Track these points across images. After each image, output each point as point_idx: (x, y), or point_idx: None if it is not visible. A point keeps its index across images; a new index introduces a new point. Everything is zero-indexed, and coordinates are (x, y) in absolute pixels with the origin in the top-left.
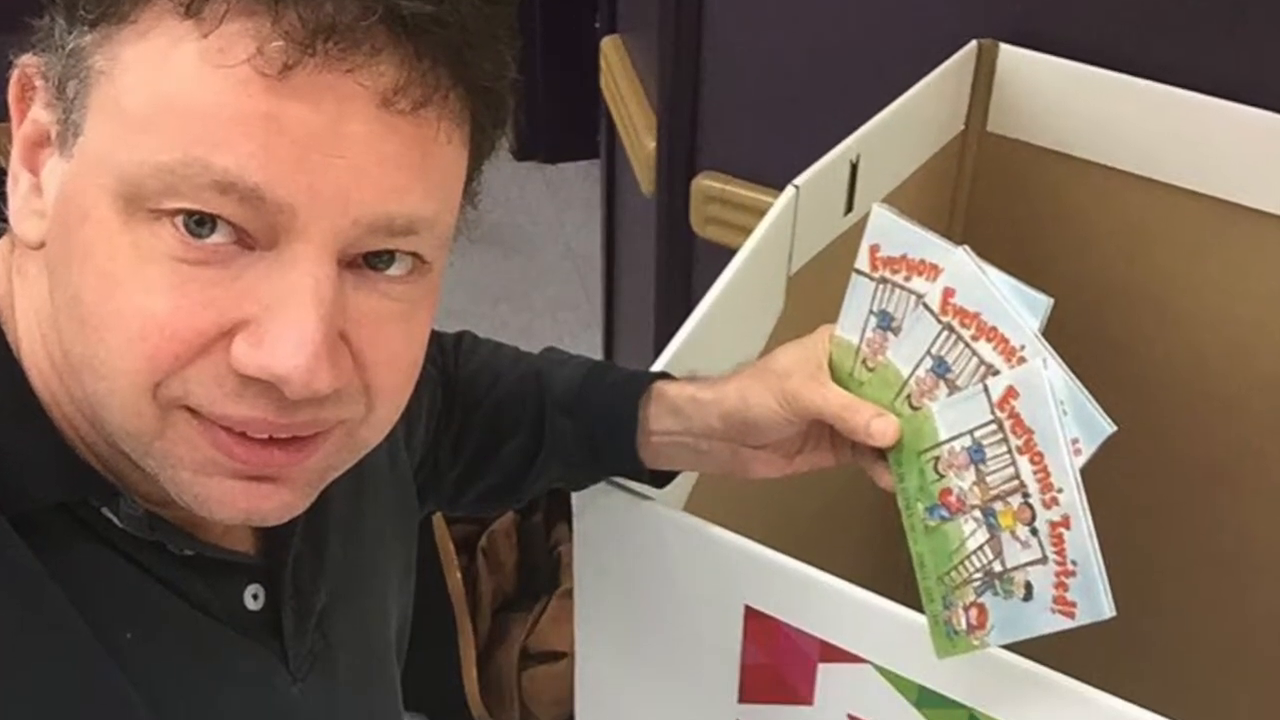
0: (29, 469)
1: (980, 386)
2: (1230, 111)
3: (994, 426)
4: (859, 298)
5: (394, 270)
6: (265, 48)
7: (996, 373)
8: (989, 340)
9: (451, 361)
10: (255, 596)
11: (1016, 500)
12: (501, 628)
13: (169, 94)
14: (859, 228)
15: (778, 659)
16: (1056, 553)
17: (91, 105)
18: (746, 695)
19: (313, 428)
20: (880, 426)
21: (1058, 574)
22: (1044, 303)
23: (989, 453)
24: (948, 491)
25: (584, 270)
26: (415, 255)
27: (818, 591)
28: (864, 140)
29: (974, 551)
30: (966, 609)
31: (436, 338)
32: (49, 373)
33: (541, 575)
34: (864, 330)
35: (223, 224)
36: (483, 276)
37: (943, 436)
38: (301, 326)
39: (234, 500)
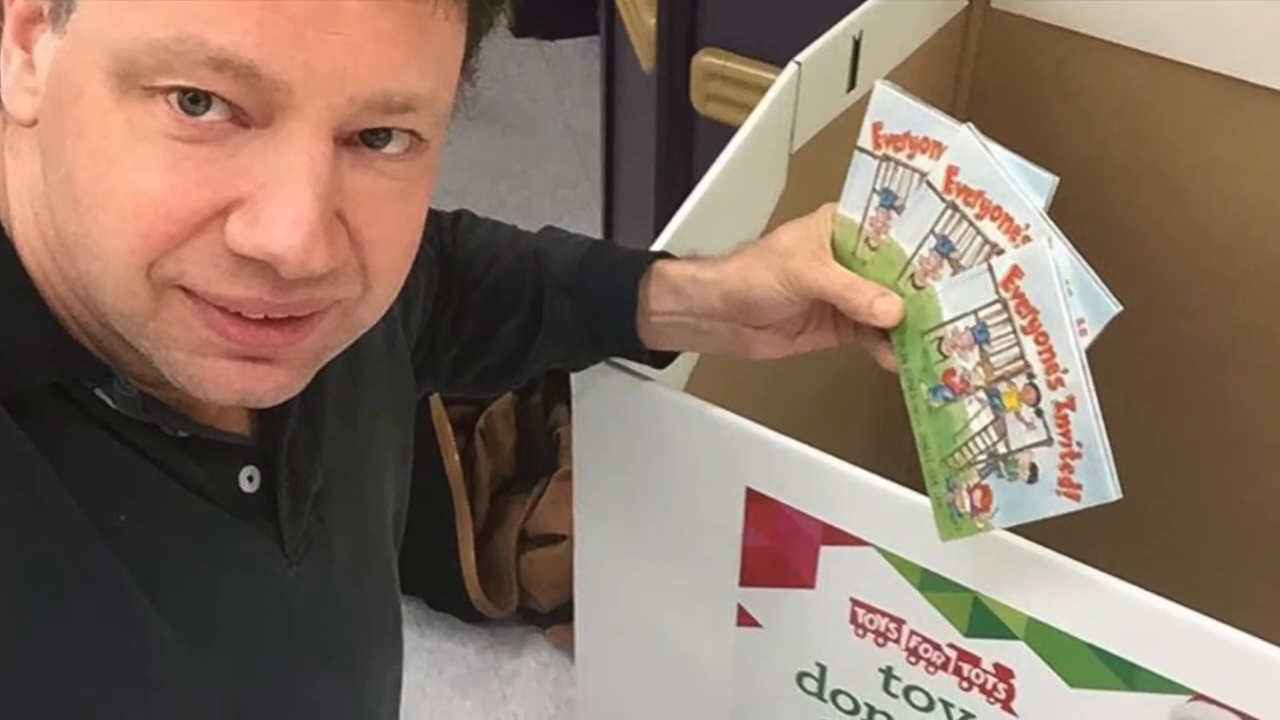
0: (21, 349)
1: (984, 266)
2: None
3: (998, 306)
4: (862, 176)
5: (391, 148)
6: None
7: (1001, 252)
8: (993, 219)
9: (449, 241)
10: (250, 479)
11: (1021, 381)
12: (500, 510)
13: None
14: (861, 105)
15: (779, 541)
16: (1062, 434)
17: None
18: (747, 578)
19: (308, 307)
20: (883, 306)
21: (1063, 456)
22: (1049, 181)
23: (993, 333)
24: (951, 372)
25: (583, 148)
26: (412, 133)
27: (820, 473)
28: (866, 16)
29: (978, 433)
30: (970, 491)
31: (434, 217)
32: (41, 252)
33: (540, 457)
34: (867, 209)
35: (218, 101)
36: (481, 155)
37: (946, 316)
38: (297, 205)
39: (229, 381)
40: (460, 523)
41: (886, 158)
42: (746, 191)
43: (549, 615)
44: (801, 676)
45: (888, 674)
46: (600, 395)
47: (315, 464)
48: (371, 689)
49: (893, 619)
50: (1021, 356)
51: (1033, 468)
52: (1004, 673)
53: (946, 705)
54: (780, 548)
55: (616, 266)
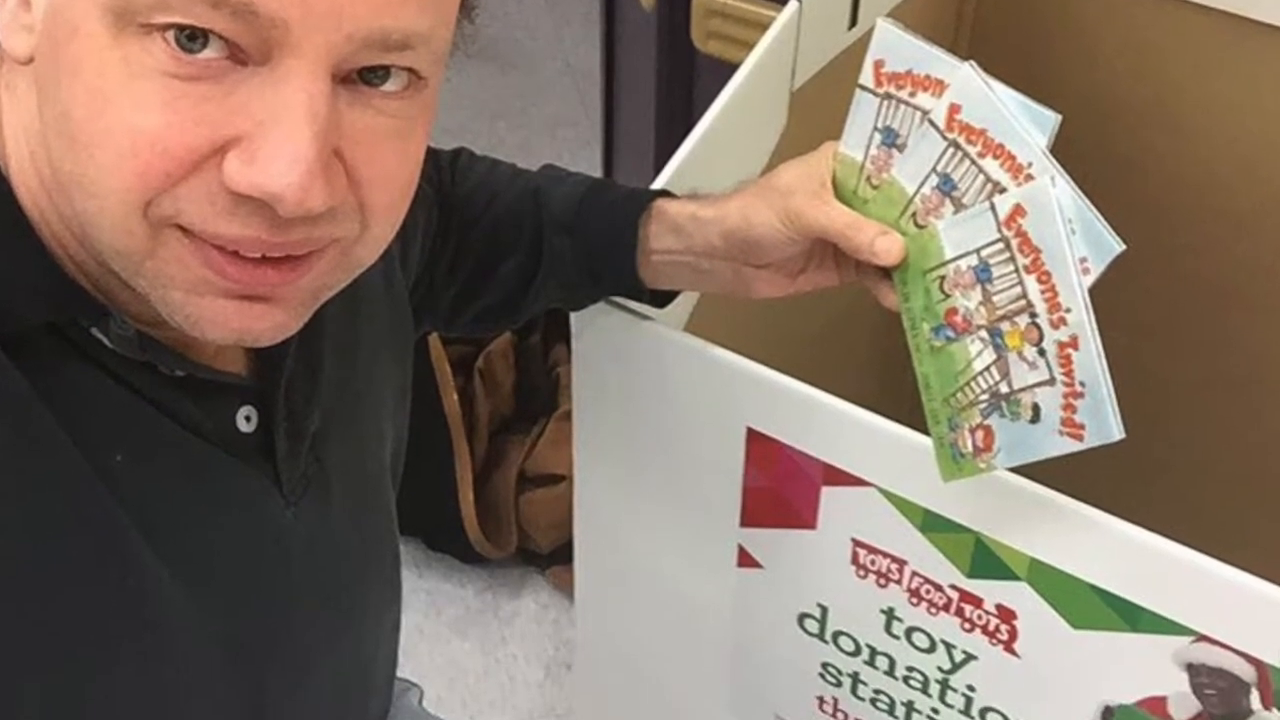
0: (17, 289)
1: (987, 204)
2: None
3: (1001, 245)
4: (863, 114)
5: (389, 86)
6: None
7: (1003, 190)
8: (996, 157)
9: (448, 179)
10: (248, 418)
11: (1024, 320)
12: (499, 450)
13: None
14: (863, 43)
15: (780, 482)
16: (1064, 374)
17: None
18: (748, 519)
19: (306, 246)
20: (885, 245)
21: (1065, 395)
22: (1051, 119)
23: (995, 272)
24: (953, 311)
25: (583, 86)
26: (411, 71)
27: (821, 413)
28: None
29: (980, 372)
30: (973, 431)
31: (432, 155)
32: (38, 190)
33: (540, 397)
34: (868, 147)
35: (215, 39)
36: (479, 92)
37: (948, 255)
38: (295, 143)
39: (226, 320)
40: (459, 463)
41: (888, 96)
42: (747, 130)
43: (548, 556)
44: (802, 618)
45: (889, 615)
46: (600, 334)
47: (313, 404)
48: (370, 630)
49: (894, 560)
50: (1024, 296)
51: (1035, 408)
52: (1006, 614)
53: (948, 646)
54: (781, 488)
55: (616, 205)
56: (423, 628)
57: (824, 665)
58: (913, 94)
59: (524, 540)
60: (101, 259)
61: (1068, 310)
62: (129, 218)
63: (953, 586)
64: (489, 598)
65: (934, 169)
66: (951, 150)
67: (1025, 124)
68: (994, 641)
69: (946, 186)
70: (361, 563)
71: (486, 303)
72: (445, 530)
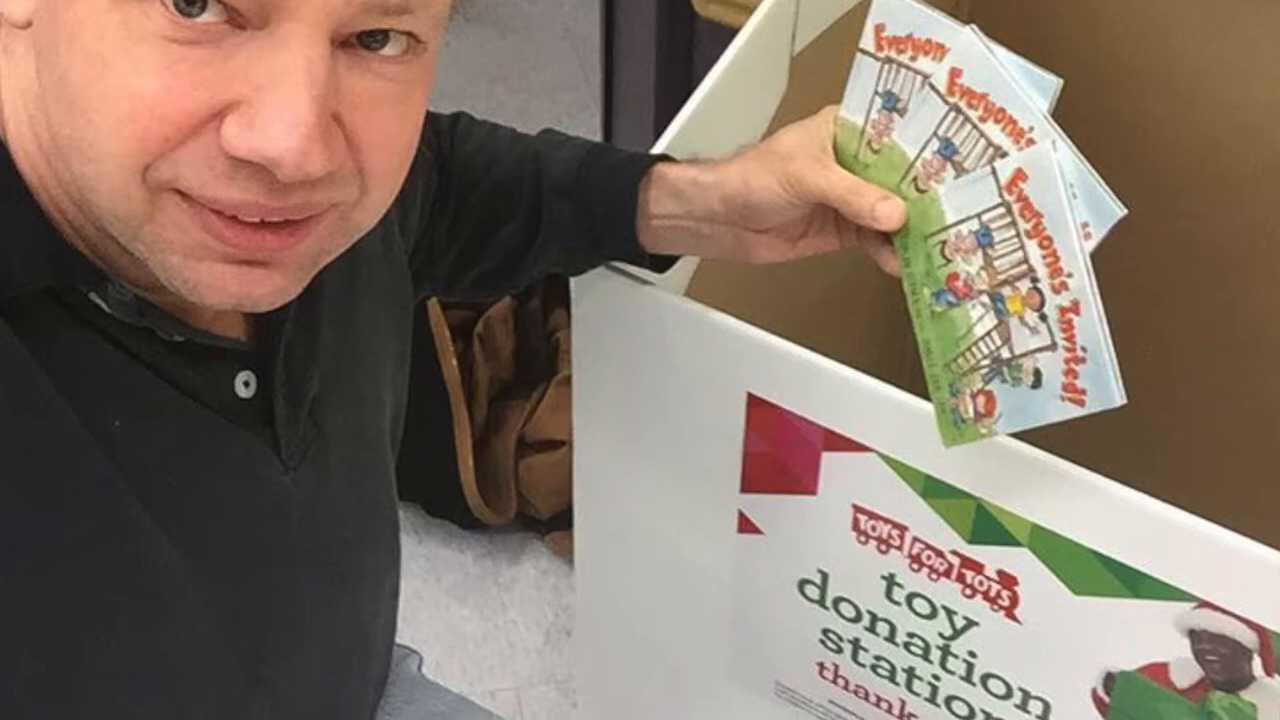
0: (15, 253)
1: (988, 169)
2: None
3: (1002, 210)
4: (864, 78)
5: (388, 50)
6: None
7: (1005, 155)
8: (997, 122)
9: (447, 143)
10: (246, 384)
11: (1025, 285)
12: (498, 416)
13: None
14: (864, 7)
15: (781, 448)
16: (1066, 339)
17: None
18: (749, 485)
19: (305, 211)
20: (885, 209)
21: (1067, 361)
22: (1053, 83)
23: (997, 236)
24: (955, 276)
25: (583, 50)
26: (410, 35)
27: (822, 378)
28: None
29: (982, 338)
30: (974, 396)
31: (432, 120)
32: (36, 155)
33: (539, 362)
34: (869, 111)
35: (213, 3)
36: (478, 57)
37: (950, 220)
38: (294, 107)
39: (225, 285)
40: (458, 429)
41: (889, 60)
42: (747, 94)
43: (548, 522)
44: (803, 584)
45: (890, 581)
46: (599, 300)
47: (312, 369)
48: (369, 596)
49: (895, 526)
50: (1025, 260)
51: (1037, 373)
52: (1007, 580)
53: (949, 613)
54: (781, 454)
55: (616, 170)
56: (422, 594)
57: (824, 631)
58: (914, 58)
59: (523, 506)
60: (100, 224)
61: (1069, 275)
62: (127, 182)
63: (954, 552)
64: (488, 564)
65: (935, 133)
66: (952, 114)
67: (1027, 88)
68: (995, 608)
69: (947, 151)
70: (360, 528)
71: (486, 267)
72: (444, 496)
